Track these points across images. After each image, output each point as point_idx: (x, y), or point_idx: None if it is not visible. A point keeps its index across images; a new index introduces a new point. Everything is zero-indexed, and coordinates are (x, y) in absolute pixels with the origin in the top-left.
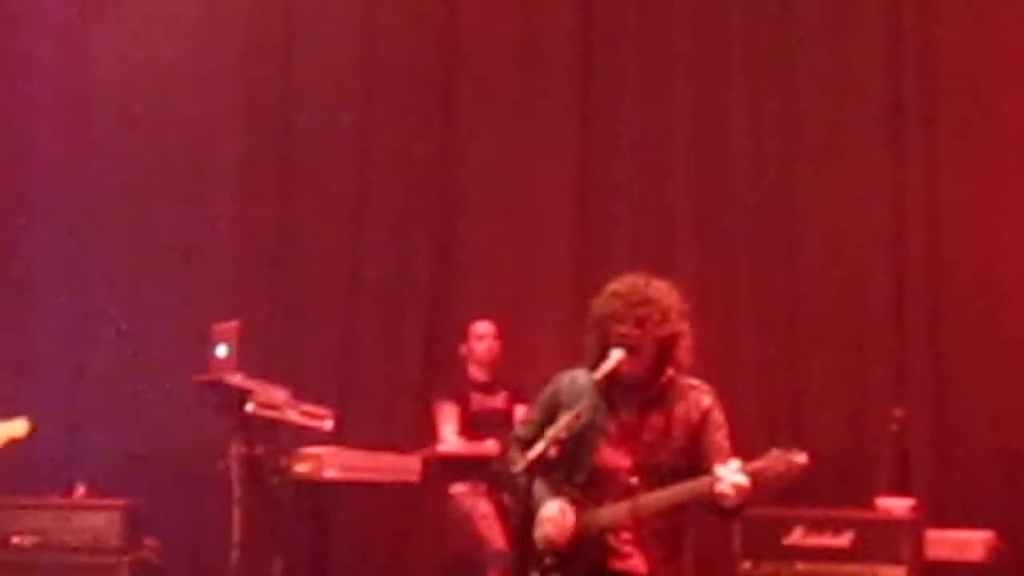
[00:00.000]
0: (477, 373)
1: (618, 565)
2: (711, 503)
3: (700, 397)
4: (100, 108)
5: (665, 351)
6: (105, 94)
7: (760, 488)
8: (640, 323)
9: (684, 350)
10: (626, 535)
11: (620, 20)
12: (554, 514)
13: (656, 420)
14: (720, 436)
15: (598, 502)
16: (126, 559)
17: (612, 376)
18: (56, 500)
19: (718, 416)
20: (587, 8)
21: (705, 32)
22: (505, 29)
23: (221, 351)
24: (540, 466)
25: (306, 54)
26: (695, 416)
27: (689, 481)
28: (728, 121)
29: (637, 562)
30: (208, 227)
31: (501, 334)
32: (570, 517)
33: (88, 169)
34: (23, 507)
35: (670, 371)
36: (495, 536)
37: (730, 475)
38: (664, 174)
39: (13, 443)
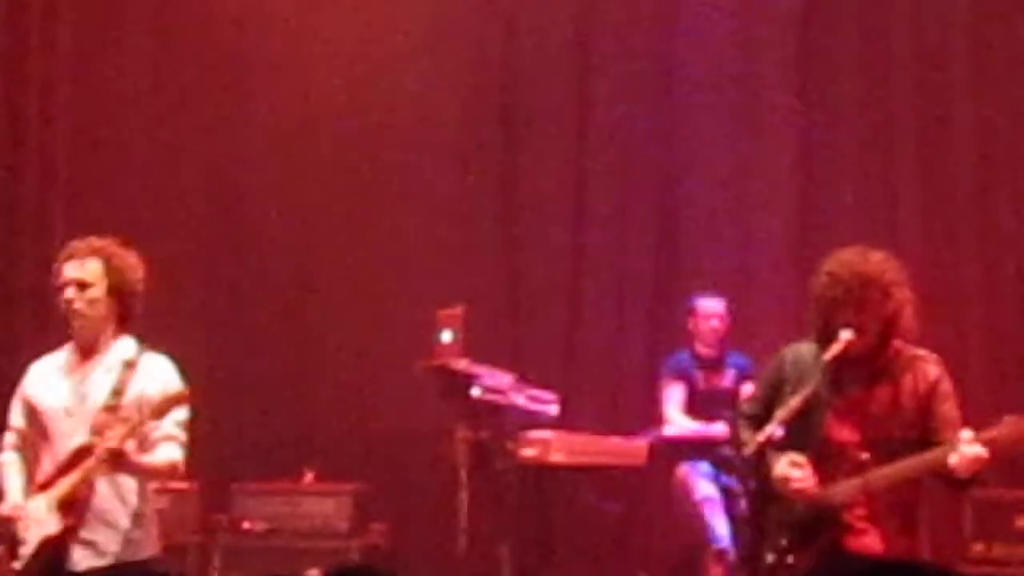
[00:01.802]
0: (703, 350)
1: (853, 544)
2: (945, 475)
3: (927, 368)
4: (324, 96)
5: (890, 326)
6: (329, 80)
7: (995, 458)
8: (862, 306)
9: (908, 319)
10: (860, 511)
11: None
12: (788, 471)
13: (884, 393)
14: (948, 406)
15: (829, 479)
16: (355, 543)
17: (840, 355)
18: (286, 485)
19: (947, 386)
20: None
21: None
22: (724, 4)
23: (446, 336)
24: (769, 446)
25: (526, 35)
26: (923, 387)
27: (921, 453)
28: (951, 94)
29: (872, 539)
30: (432, 215)
31: (728, 313)
32: (802, 461)
33: (313, 156)
34: (254, 493)
35: (896, 342)
36: (716, 518)
37: (965, 446)
38: (887, 147)
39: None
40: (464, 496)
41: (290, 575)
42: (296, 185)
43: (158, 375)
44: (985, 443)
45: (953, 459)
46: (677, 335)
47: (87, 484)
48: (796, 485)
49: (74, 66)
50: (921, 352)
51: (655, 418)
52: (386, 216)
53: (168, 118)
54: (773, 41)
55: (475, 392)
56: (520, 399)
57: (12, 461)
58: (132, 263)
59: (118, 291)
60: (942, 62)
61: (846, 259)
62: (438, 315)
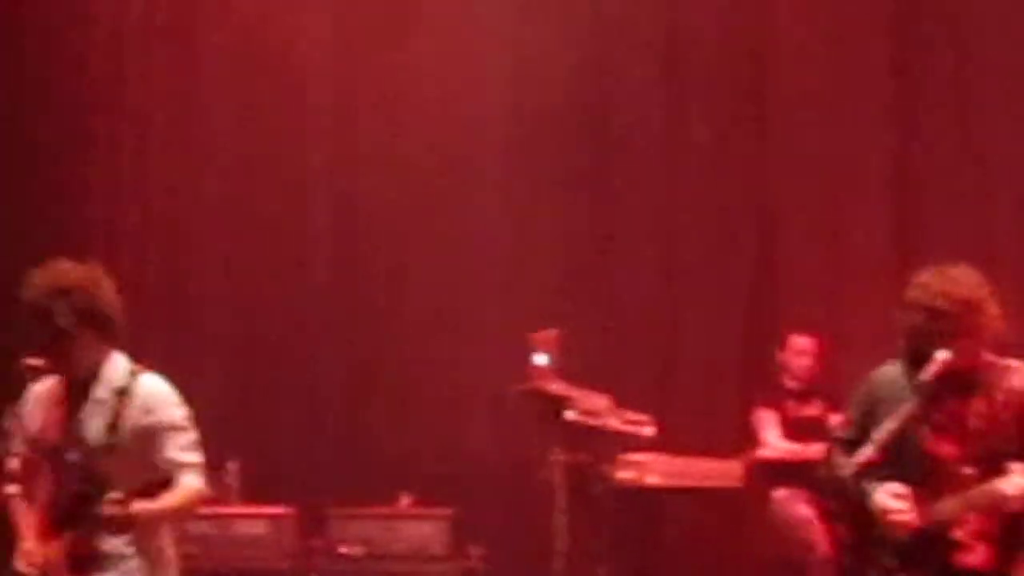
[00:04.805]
0: (791, 383)
1: (962, 560)
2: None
3: (1022, 378)
4: (415, 122)
5: (981, 343)
6: (420, 107)
7: None
8: (954, 337)
9: (995, 330)
10: (969, 527)
11: (934, 16)
12: (887, 503)
13: (980, 405)
14: None
15: (934, 496)
16: (452, 568)
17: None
18: (383, 510)
19: None
20: (900, 5)
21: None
22: (816, 35)
23: (541, 359)
24: (867, 469)
25: (617, 65)
26: (1018, 399)
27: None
28: None
29: (982, 555)
30: (528, 239)
31: (820, 350)
32: (904, 493)
33: (405, 181)
34: (350, 517)
35: (987, 355)
36: (818, 540)
37: (1015, 478)
38: (982, 167)
39: None
40: (561, 519)
41: None
42: (389, 210)
43: (153, 402)
44: None
45: (999, 494)
46: (771, 356)
47: (91, 541)
48: (897, 518)
49: (167, 100)
50: (1013, 363)
51: (749, 440)
52: (479, 240)
53: (253, 141)
54: (866, 58)
55: (570, 415)
56: (615, 422)
57: (17, 494)
58: (95, 283)
59: (88, 319)
60: None
61: (930, 291)
62: (532, 338)
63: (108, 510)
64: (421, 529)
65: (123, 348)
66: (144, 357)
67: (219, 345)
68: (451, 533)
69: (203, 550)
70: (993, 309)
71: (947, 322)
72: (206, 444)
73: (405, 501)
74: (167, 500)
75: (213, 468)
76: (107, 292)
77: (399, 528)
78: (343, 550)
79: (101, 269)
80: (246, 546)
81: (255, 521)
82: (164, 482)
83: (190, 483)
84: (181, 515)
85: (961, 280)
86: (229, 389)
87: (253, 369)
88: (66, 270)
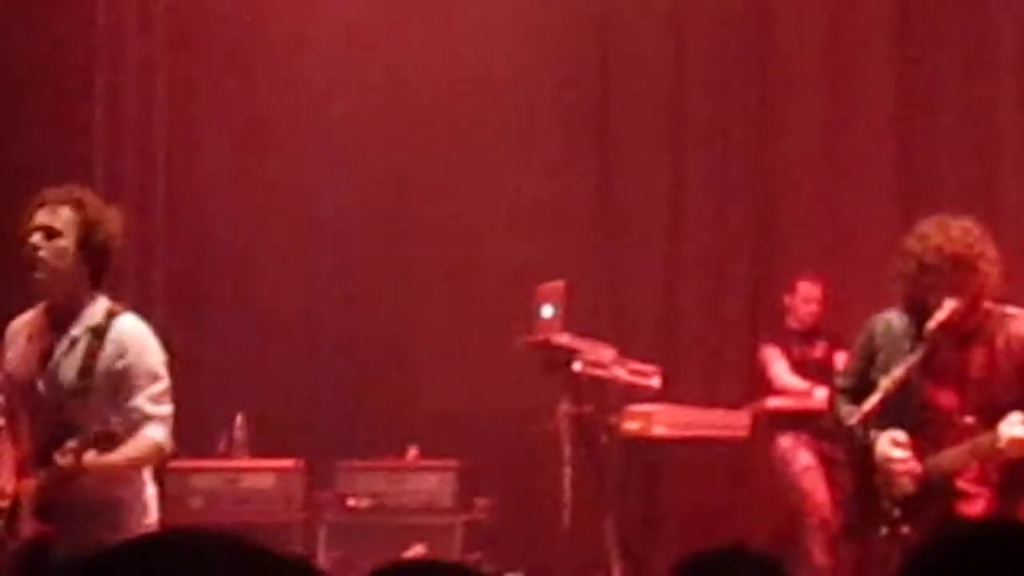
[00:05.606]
0: (797, 325)
1: (966, 509)
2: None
3: (1020, 325)
4: (420, 79)
5: (981, 292)
6: (422, 64)
7: None
8: (941, 289)
9: (995, 281)
10: (971, 474)
11: None
12: (890, 452)
13: (979, 355)
14: None
15: (935, 446)
16: (459, 519)
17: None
18: (390, 463)
19: None
20: None
21: None
22: None
23: (547, 312)
24: (870, 417)
25: (621, 14)
26: (1017, 346)
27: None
28: None
29: (982, 502)
30: (533, 190)
31: (826, 297)
32: (905, 441)
33: (409, 140)
34: (358, 470)
35: (986, 303)
36: (817, 488)
37: (1009, 429)
38: (988, 113)
39: None
40: (568, 471)
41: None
42: (394, 164)
43: (127, 345)
44: None
45: (997, 444)
46: (776, 305)
47: (59, 487)
48: (899, 467)
49: (169, 50)
50: (1011, 310)
51: (756, 389)
52: (484, 191)
53: (260, 89)
54: (869, 14)
55: (577, 367)
56: (622, 373)
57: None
58: (108, 216)
59: (89, 244)
60: None
61: (932, 243)
62: (538, 290)
63: (60, 460)
64: (428, 481)
65: (123, 299)
66: (149, 309)
67: (224, 296)
68: (458, 485)
69: (210, 503)
70: (988, 266)
71: (935, 277)
72: (214, 397)
73: (412, 453)
74: (122, 452)
75: (221, 421)
76: (115, 232)
77: (406, 480)
78: (351, 502)
79: (119, 212)
80: (254, 499)
81: (263, 474)
82: (114, 435)
83: (151, 435)
84: (135, 468)
85: (957, 236)
86: (236, 342)
87: (260, 321)
88: (87, 192)
